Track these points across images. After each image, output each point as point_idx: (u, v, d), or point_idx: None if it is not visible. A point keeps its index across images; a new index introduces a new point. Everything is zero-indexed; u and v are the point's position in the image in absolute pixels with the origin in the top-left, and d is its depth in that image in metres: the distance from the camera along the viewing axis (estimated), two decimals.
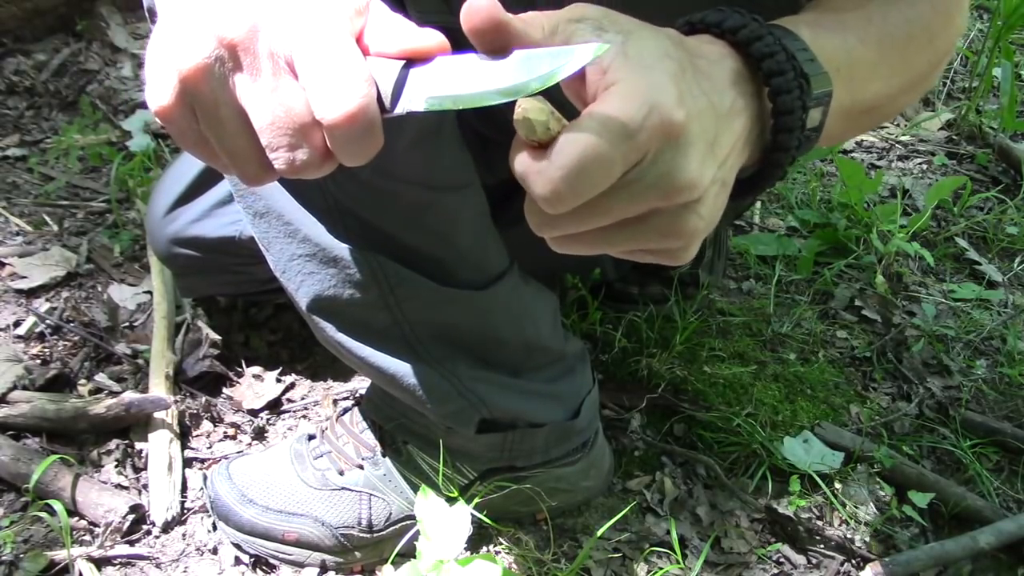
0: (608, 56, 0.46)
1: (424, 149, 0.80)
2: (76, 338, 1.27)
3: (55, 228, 1.48)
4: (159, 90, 0.49)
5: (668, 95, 0.45)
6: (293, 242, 0.84)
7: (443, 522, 0.86)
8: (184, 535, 1.05)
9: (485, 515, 0.99)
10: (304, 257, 0.85)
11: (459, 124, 0.83)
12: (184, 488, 1.10)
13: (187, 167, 1.16)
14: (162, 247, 1.17)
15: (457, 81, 0.46)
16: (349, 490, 1.01)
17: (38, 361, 1.22)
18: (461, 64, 0.47)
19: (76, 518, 1.04)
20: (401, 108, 0.47)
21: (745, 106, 0.52)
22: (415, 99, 0.47)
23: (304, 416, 1.23)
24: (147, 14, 0.71)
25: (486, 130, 0.91)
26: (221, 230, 1.11)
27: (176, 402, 1.17)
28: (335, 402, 1.24)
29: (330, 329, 0.90)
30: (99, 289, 1.36)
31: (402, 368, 0.90)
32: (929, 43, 0.68)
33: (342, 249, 0.83)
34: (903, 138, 2.05)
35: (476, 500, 0.99)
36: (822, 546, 1.10)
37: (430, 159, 0.82)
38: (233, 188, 0.86)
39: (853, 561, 1.09)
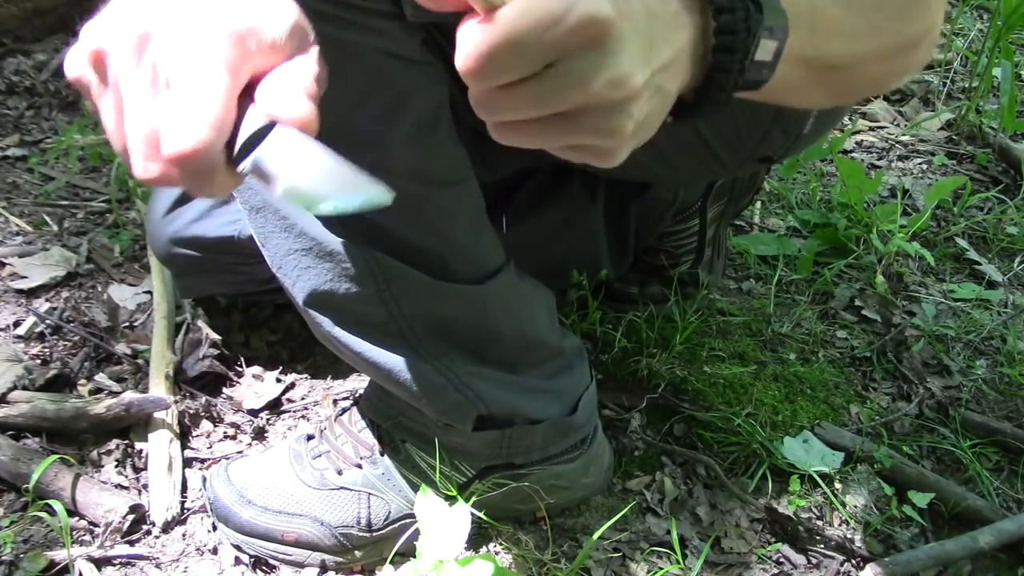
0: None
1: (420, 144, 0.80)
2: (76, 338, 1.27)
3: (55, 228, 1.48)
4: (73, 58, 0.52)
5: None
6: (289, 236, 0.85)
7: (443, 521, 0.86)
8: (184, 535, 1.05)
9: (484, 514, 0.99)
10: (300, 251, 0.85)
11: (456, 121, 0.84)
12: (184, 488, 1.10)
13: None
14: (162, 247, 1.17)
15: (301, 173, 0.46)
16: (348, 489, 1.01)
17: (38, 361, 1.22)
18: (316, 155, 0.47)
19: (76, 518, 1.04)
20: (242, 167, 0.47)
21: (691, 22, 0.52)
22: (258, 165, 0.47)
23: (304, 416, 1.23)
24: None
25: (484, 128, 0.91)
26: (220, 229, 1.11)
27: (176, 402, 1.17)
28: (335, 402, 1.24)
29: (326, 324, 0.90)
30: (99, 289, 1.37)
31: (398, 363, 0.90)
32: (899, 13, 0.67)
33: (338, 243, 0.83)
34: (903, 138, 2.05)
35: (475, 498, 0.99)
36: (822, 546, 1.10)
37: (426, 154, 0.82)
38: None
39: (853, 561, 1.08)
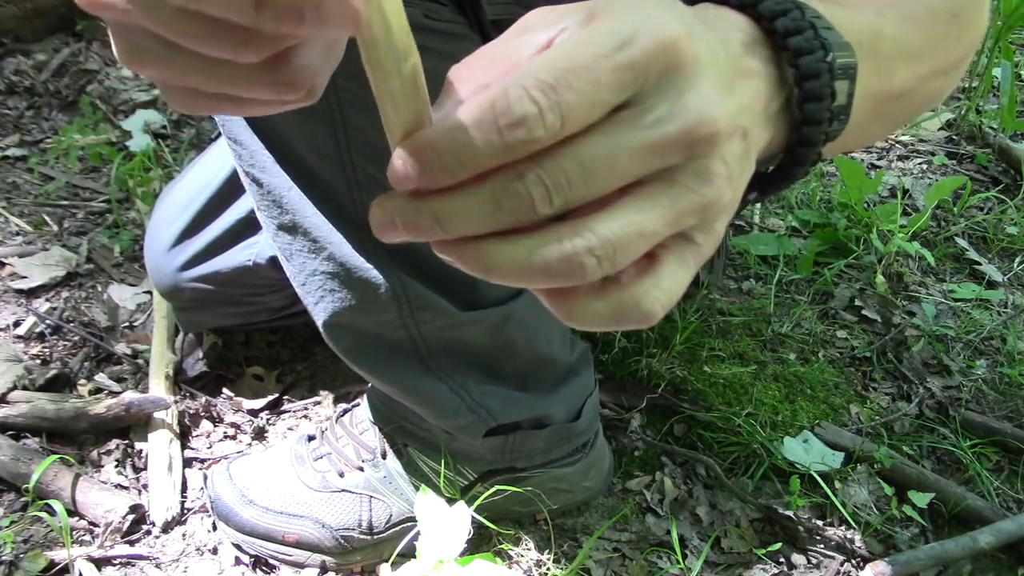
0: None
1: None
2: (76, 338, 1.27)
3: (55, 228, 1.48)
4: None
5: (664, 17, 0.36)
6: (317, 258, 0.84)
7: (443, 522, 0.86)
8: (184, 535, 1.05)
9: (485, 516, 0.99)
10: (326, 275, 0.84)
11: None
12: (184, 488, 1.10)
13: (187, 199, 1.13)
14: (167, 282, 1.14)
15: None
16: (349, 492, 1.01)
17: (38, 361, 1.22)
18: None
19: (76, 518, 1.04)
20: None
21: (761, 70, 0.43)
22: None
23: (304, 416, 1.23)
24: None
25: None
26: (235, 258, 1.09)
27: (176, 402, 1.17)
28: (335, 402, 1.24)
29: (343, 344, 0.90)
30: (99, 289, 1.36)
31: (412, 382, 0.90)
32: (953, 18, 0.62)
33: (367, 270, 0.82)
34: (903, 138, 2.05)
35: (478, 502, 0.99)
36: (822, 546, 1.10)
37: None
38: (257, 201, 0.85)
39: (853, 561, 1.08)
